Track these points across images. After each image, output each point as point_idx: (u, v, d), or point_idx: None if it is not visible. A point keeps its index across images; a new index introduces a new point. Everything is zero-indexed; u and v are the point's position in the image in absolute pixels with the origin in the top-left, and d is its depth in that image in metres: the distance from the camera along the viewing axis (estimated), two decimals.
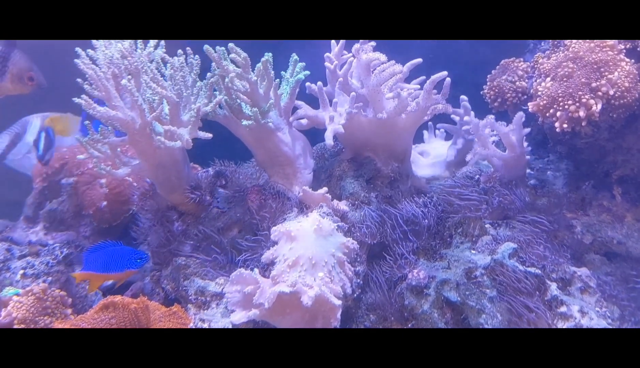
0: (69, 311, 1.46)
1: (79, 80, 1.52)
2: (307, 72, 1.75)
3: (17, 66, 1.70)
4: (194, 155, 1.96)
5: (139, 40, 1.62)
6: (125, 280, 1.71)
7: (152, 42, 1.66)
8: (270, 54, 1.65)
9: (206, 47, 1.61)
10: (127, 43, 1.57)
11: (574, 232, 1.67)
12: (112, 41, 1.57)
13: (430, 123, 2.25)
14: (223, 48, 1.63)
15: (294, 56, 1.77)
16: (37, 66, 1.76)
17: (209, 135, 1.58)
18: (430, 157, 2.16)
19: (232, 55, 1.61)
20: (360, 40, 1.73)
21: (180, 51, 1.63)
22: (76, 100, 1.49)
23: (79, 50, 1.52)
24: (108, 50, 1.55)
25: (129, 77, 1.53)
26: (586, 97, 1.46)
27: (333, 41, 1.82)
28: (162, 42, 1.68)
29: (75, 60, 1.51)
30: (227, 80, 1.64)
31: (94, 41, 1.57)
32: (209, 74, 1.66)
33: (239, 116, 1.70)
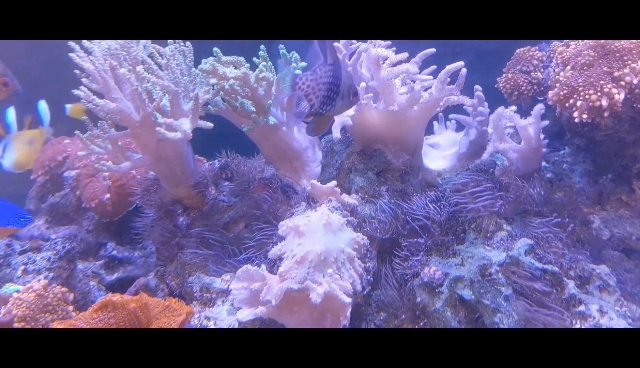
0: (71, 308, 1.42)
1: (76, 71, 1.47)
2: (304, 64, 1.68)
3: None
4: (201, 147, 1.91)
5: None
6: (5, 235, 1.69)
7: (142, 41, 1.61)
8: (267, 58, 1.61)
9: (200, 67, 1.58)
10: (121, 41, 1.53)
11: (591, 228, 1.62)
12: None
13: (440, 114, 2.19)
14: (212, 56, 1.59)
15: (294, 54, 1.71)
16: (10, 70, 1.67)
17: (210, 125, 1.53)
18: (441, 149, 2.10)
19: (235, 72, 1.56)
20: None
21: (170, 41, 1.58)
22: (75, 92, 1.45)
23: (72, 43, 1.47)
24: (104, 44, 1.51)
25: (129, 67, 1.48)
26: (608, 86, 1.40)
27: None
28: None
29: (70, 54, 1.46)
30: (226, 86, 1.59)
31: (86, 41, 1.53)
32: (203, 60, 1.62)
33: (241, 114, 1.65)
